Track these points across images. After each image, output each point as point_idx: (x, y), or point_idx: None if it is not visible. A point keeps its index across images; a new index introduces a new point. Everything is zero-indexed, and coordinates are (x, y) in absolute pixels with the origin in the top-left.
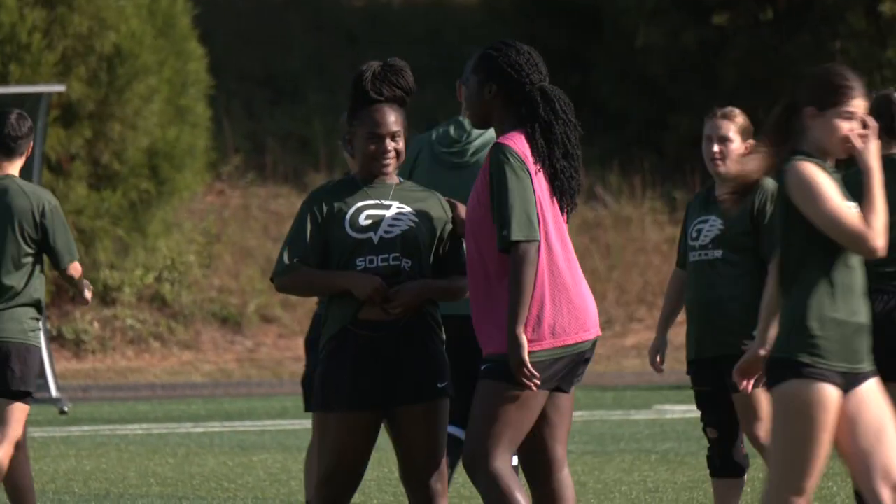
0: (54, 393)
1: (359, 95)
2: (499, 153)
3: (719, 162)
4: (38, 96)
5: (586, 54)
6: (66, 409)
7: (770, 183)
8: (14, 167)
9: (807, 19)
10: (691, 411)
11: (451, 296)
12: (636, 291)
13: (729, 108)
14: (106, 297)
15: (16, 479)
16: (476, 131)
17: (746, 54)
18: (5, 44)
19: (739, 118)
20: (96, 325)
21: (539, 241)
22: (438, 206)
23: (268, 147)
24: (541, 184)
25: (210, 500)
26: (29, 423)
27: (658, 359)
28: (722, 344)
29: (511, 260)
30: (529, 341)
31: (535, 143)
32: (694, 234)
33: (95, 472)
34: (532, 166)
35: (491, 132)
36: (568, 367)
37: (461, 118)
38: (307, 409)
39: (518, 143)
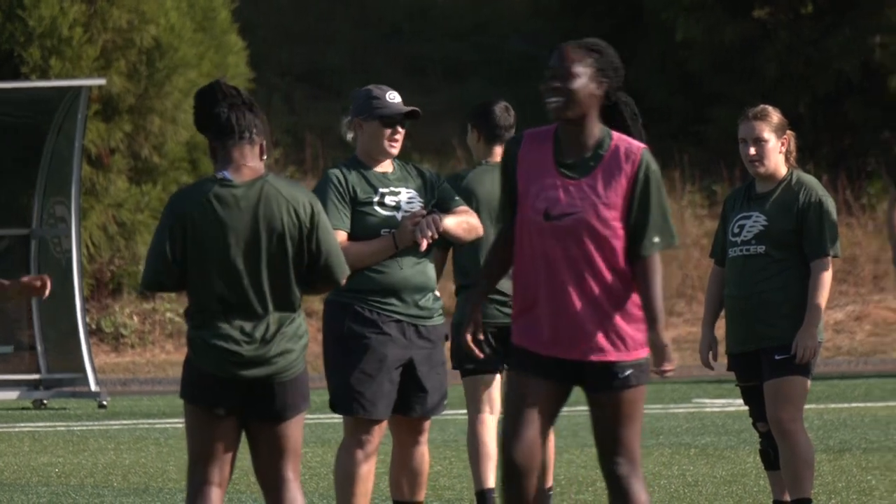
0: (93, 386)
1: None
2: (650, 159)
3: (757, 163)
4: (78, 90)
5: (627, 48)
6: (105, 402)
7: (814, 182)
8: (498, 154)
9: (847, 14)
10: (731, 405)
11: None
12: (676, 285)
13: (760, 108)
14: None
15: None
16: None
17: (786, 49)
18: (46, 38)
19: (773, 116)
20: (135, 318)
21: None
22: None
23: (308, 141)
24: None
25: (249, 493)
26: (68, 416)
27: (711, 356)
28: (764, 337)
29: (655, 265)
30: (643, 346)
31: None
32: (736, 230)
33: (134, 466)
34: None
35: None
36: None
37: None
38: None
39: None
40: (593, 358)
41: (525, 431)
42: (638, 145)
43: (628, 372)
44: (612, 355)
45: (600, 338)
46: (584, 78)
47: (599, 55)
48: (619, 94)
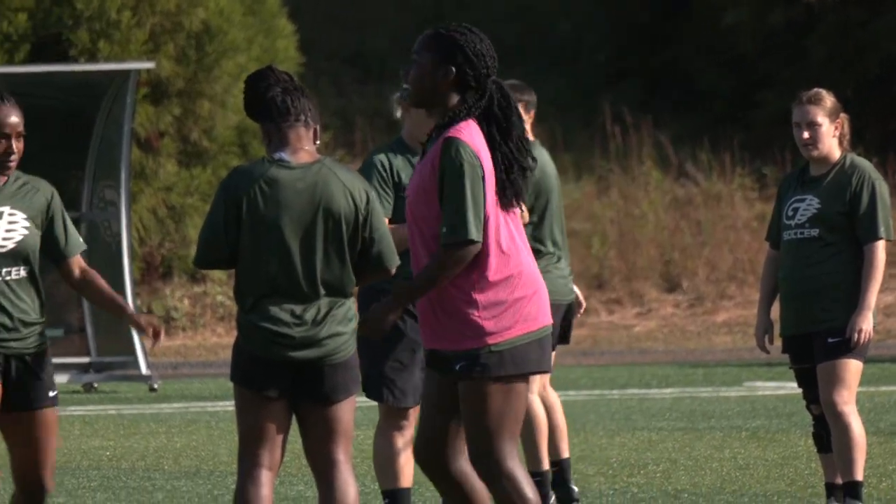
0: (144, 370)
1: None
2: (452, 148)
3: (811, 146)
4: (126, 73)
5: (674, 31)
6: (156, 386)
7: (868, 165)
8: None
9: None
10: (782, 388)
11: None
12: (727, 268)
13: (814, 92)
14: (196, 274)
15: None
16: None
17: (834, 31)
18: (94, 21)
19: (826, 100)
20: (186, 301)
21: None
22: None
23: (357, 124)
24: (492, 177)
25: (300, 476)
26: (119, 400)
27: (766, 339)
28: (817, 320)
29: (449, 255)
30: (497, 332)
31: (490, 133)
32: (790, 213)
33: (186, 450)
34: (486, 161)
35: None
36: (542, 350)
37: None
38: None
39: (470, 136)
40: (432, 346)
41: (424, 425)
42: (449, 135)
43: (459, 364)
44: (442, 344)
45: (434, 326)
46: (422, 68)
47: (440, 43)
48: (490, 82)
